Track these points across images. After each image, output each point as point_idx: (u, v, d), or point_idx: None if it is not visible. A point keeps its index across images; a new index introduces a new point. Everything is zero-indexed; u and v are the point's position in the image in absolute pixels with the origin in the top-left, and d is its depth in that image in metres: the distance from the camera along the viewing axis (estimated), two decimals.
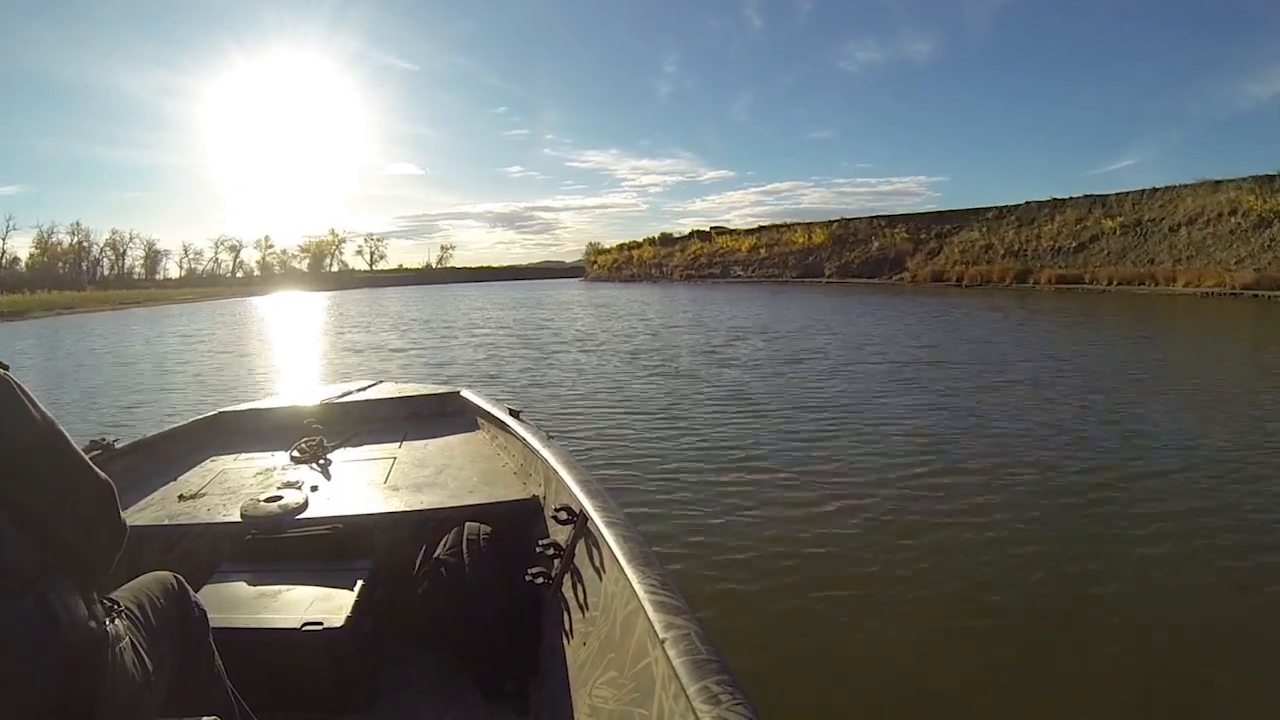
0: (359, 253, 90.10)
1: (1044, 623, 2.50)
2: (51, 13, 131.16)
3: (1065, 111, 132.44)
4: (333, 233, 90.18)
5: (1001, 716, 2.05)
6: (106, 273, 68.35)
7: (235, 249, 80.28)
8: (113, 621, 0.86)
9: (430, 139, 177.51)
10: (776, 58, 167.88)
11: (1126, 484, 3.81)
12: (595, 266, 65.76)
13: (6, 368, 0.80)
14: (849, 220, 38.90)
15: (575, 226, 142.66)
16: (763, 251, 42.88)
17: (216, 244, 79.83)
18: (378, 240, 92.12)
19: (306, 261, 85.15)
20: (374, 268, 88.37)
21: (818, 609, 2.57)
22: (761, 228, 46.12)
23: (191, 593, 1.11)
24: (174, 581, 1.08)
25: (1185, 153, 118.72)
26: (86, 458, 0.86)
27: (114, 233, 72.76)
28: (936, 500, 3.62)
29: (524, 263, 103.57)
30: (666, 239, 55.55)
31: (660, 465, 4.35)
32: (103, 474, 0.88)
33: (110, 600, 0.91)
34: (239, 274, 78.56)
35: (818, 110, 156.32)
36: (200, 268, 77.11)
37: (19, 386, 0.80)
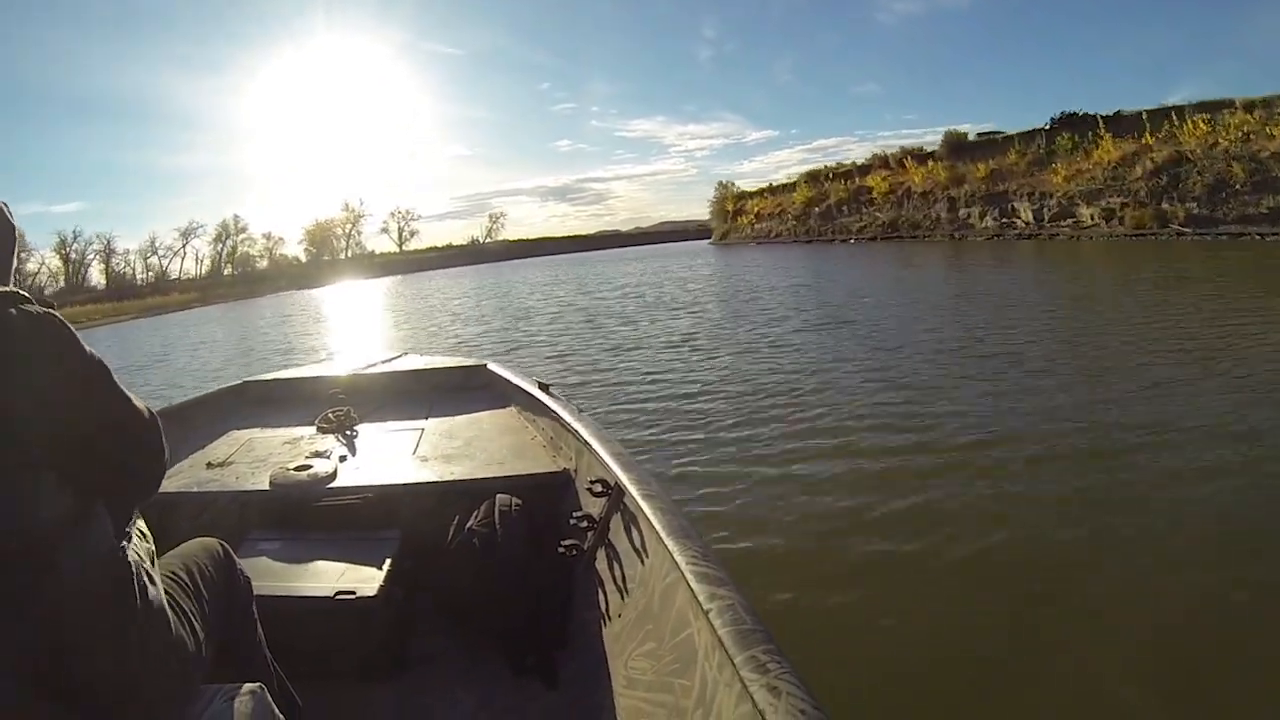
0: (384, 231, 73.73)
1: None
2: (90, 28, 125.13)
3: (1110, 50, 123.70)
4: (347, 207, 71.39)
5: (1057, 686, 1.93)
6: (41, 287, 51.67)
7: (222, 237, 62.62)
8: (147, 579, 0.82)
9: (479, 119, 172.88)
10: (815, 15, 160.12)
11: None
12: (741, 220, 38.16)
13: (54, 307, 0.79)
14: None
15: (627, 195, 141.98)
16: None
17: (185, 233, 62.04)
18: (405, 215, 74.29)
19: (304, 246, 68.13)
20: (404, 248, 72.65)
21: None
22: None
23: (237, 560, 1.09)
24: (220, 549, 1.07)
25: (1239, 85, 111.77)
26: (130, 395, 0.83)
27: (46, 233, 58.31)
28: None
29: (579, 234, 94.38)
30: (959, 143, 29.09)
31: None
32: (146, 405, 0.85)
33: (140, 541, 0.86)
34: (226, 269, 61.89)
35: (859, 64, 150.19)
36: (168, 263, 61.29)
37: (66, 324, 0.78)
